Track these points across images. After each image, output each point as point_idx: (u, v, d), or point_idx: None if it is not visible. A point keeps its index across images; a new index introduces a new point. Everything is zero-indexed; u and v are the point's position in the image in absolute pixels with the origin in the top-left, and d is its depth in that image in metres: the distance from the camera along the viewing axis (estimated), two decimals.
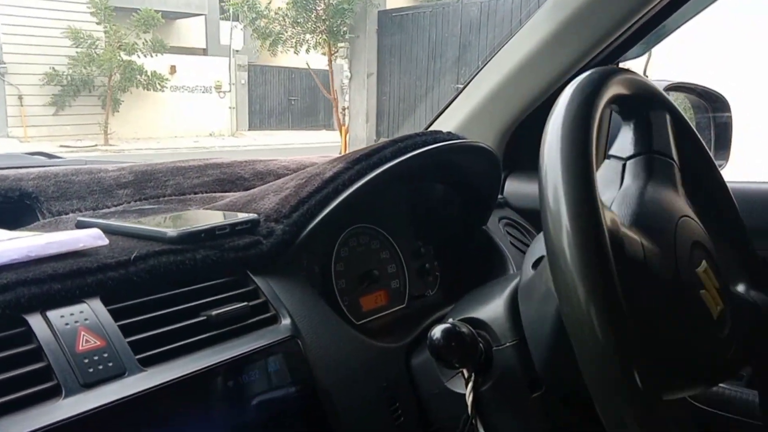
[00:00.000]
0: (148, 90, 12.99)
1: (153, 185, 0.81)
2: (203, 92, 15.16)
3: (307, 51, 10.22)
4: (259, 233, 0.67)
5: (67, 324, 0.52)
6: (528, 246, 0.99)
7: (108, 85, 12.65)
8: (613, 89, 0.61)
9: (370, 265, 0.84)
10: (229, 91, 15.61)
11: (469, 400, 0.66)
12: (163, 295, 0.58)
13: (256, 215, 0.68)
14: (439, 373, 0.70)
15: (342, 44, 9.84)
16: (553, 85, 0.99)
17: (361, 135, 9.28)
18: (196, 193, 0.81)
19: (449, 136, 0.82)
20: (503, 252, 0.92)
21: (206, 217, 0.69)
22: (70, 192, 0.76)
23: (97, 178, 0.79)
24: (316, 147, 14.90)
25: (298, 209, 0.70)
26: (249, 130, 16.11)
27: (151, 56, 12.59)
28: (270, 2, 9.93)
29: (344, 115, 10.39)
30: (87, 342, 0.53)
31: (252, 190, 0.76)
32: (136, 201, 0.77)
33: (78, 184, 0.77)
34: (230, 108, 15.74)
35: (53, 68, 12.50)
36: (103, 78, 12.68)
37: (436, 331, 0.62)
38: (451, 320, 0.65)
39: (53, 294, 0.52)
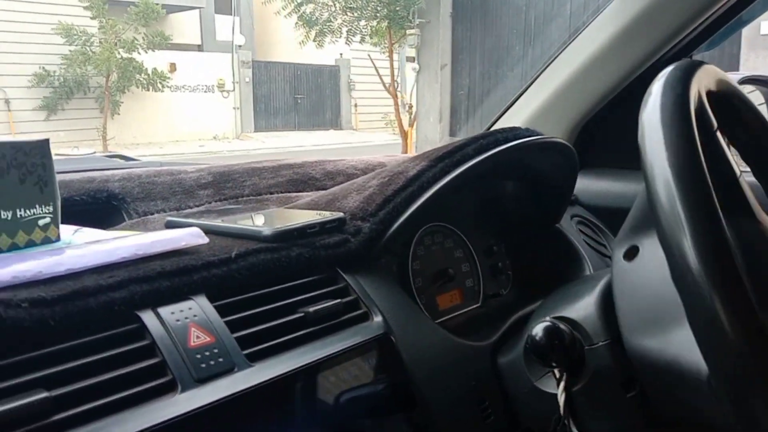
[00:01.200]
0: (147, 90, 12.96)
1: (231, 186, 0.87)
2: (205, 92, 15.24)
3: (362, 41, 9.64)
4: (347, 231, 0.72)
5: (177, 320, 0.57)
6: (600, 244, 1.03)
7: (105, 85, 12.58)
8: (700, 83, 0.65)
9: (445, 264, 0.89)
10: (233, 90, 15.69)
11: (562, 399, 0.70)
12: (263, 291, 0.63)
13: (342, 214, 0.73)
14: (528, 373, 0.74)
15: (411, 32, 8.75)
16: (625, 80, 1.02)
17: (433, 137, 8.16)
18: (271, 193, 0.87)
19: (528, 132, 0.86)
20: (578, 250, 0.96)
21: (293, 216, 0.74)
22: (154, 193, 0.82)
23: (178, 180, 0.85)
24: (330, 149, 14.92)
25: (384, 207, 0.74)
26: (255, 131, 16.19)
27: (152, 52, 12.54)
28: None
29: (410, 113, 9.63)
30: (198, 338, 0.57)
31: (332, 189, 0.81)
32: (216, 201, 0.83)
33: (161, 185, 0.83)
34: (234, 108, 15.80)
35: (43, 68, 12.35)
36: (99, 78, 12.59)
37: (538, 330, 0.67)
38: (549, 319, 0.69)
39: (163, 291, 0.57)
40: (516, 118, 1.13)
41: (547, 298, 0.77)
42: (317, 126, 18.06)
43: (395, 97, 9.73)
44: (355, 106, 18.96)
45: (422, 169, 0.77)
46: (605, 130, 1.09)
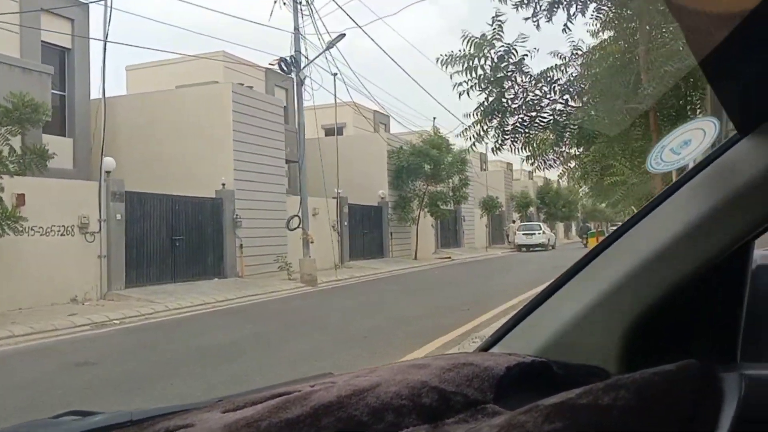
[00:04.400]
0: None
1: None
2: (62, 234, 13.03)
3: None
4: None
5: None
6: None
7: None
8: None
9: None
10: (98, 231, 13.64)
11: None
12: None
13: None
14: None
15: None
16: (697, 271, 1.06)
17: None
18: None
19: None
20: None
21: None
22: None
23: None
24: (224, 308, 12.61)
25: None
26: (126, 287, 14.06)
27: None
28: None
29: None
30: None
31: None
32: None
33: None
34: (99, 257, 13.71)
35: None
36: None
37: None
38: None
39: None
40: (562, 310, 1.16)
41: None
42: (198, 275, 16.54)
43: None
44: (241, 247, 17.83)
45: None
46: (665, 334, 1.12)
